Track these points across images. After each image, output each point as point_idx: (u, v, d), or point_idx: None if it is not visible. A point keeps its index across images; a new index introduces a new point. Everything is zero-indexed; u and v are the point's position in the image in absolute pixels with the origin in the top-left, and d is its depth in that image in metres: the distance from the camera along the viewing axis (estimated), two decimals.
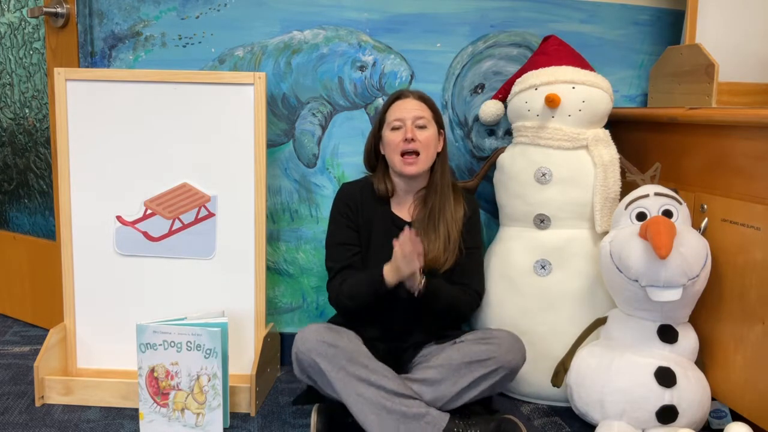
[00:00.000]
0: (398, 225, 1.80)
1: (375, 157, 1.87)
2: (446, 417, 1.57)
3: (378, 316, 1.78)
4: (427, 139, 1.75)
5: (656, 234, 1.56)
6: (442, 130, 1.82)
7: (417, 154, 1.74)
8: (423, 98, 1.80)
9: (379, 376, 1.57)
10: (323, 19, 2.06)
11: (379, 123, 1.82)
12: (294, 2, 2.05)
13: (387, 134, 1.77)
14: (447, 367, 1.61)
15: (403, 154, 1.74)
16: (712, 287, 1.68)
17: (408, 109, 1.76)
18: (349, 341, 1.62)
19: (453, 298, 1.76)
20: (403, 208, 1.83)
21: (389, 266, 1.66)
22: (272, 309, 2.17)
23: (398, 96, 1.81)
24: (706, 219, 1.73)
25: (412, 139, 1.72)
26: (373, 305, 1.72)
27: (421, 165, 1.75)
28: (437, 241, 1.75)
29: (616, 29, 2.17)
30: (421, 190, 1.82)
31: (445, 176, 1.82)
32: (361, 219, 1.81)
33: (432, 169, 1.81)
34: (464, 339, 1.69)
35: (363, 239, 1.81)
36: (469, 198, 1.88)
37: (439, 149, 1.81)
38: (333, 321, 1.84)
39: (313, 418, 1.66)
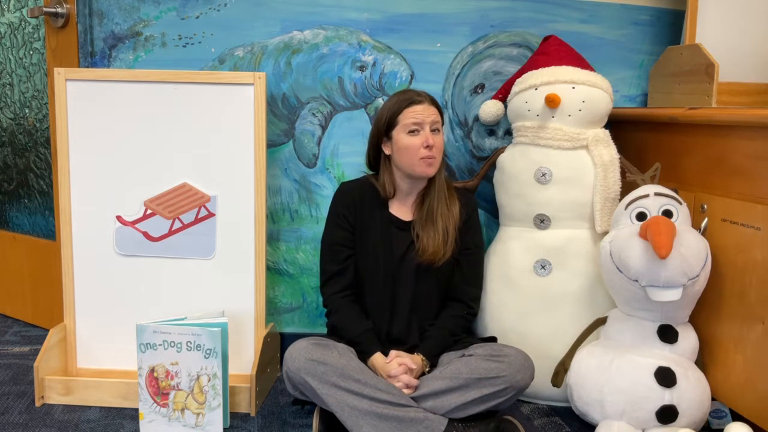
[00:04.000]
0: (396, 225, 1.81)
1: (377, 157, 1.86)
2: (444, 421, 1.57)
3: (376, 320, 1.79)
4: (440, 143, 1.77)
5: (656, 234, 1.56)
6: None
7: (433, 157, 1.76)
8: (434, 102, 1.79)
9: (372, 389, 1.56)
10: (323, 19, 2.06)
11: (387, 124, 1.77)
12: (294, 2, 2.05)
13: (403, 138, 1.75)
14: (454, 380, 1.61)
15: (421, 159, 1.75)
16: (712, 287, 1.68)
17: (426, 114, 1.74)
18: (340, 356, 1.61)
19: (455, 336, 1.80)
20: (402, 208, 1.84)
21: (380, 362, 1.69)
22: (272, 309, 2.17)
23: (413, 100, 1.76)
24: (706, 219, 1.73)
25: (431, 146, 1.73)
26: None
27: (437, 165, 1.78)
28: (436, 237, 1.77)
29: (616, 29, 2.17)
30: (422, 190, 1.82)
31: (442, 173, 1.83)
32: (358, 219, 1.81)
33: None
34: (474, 353, 1.68)
35: (360, 239, 1.81)
36: (467, 197, 1.89)
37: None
38: (330, 325, 1.85)
39: (315, 420, 1.66)
